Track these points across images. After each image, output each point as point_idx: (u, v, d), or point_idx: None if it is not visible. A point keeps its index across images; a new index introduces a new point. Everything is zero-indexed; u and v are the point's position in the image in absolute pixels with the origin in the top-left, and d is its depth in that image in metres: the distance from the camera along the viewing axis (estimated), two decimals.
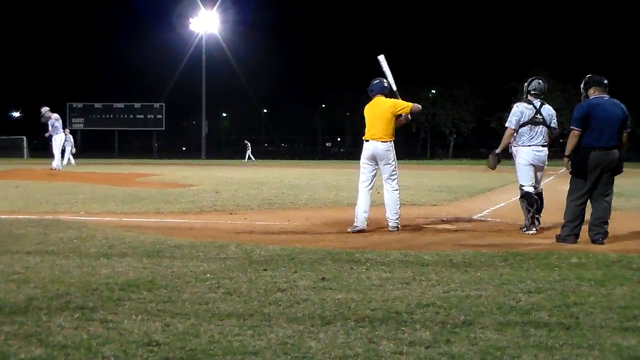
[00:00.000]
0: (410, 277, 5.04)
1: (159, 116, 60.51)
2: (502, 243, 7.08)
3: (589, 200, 7.14)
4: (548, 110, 8.00)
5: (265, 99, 77.81)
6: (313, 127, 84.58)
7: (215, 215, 9.57)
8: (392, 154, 8.18)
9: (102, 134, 66.03)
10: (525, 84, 8.18)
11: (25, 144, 49.95)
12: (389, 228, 8.05)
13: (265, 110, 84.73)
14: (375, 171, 8.20)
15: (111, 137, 63.61)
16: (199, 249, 6.24)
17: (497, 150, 8.28)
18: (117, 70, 77.92)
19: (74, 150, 29.59)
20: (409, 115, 8.12)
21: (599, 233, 7.03)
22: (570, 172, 7.24)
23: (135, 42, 73.67)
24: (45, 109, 21.00)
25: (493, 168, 8.47)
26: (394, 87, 8.37)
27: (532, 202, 7.85)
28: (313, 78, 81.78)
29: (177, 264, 5.48)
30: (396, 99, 8.22)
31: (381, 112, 8.10)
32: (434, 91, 71.10)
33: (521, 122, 7.90)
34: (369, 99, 8.28)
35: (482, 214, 10.13)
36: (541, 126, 7.90)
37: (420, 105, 8.15)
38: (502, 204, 11.89)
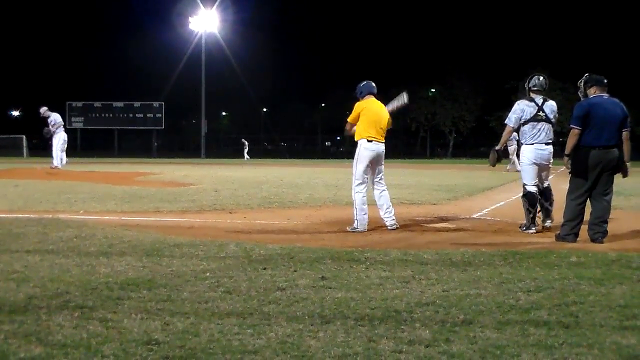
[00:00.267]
0: (410, 276, 5.05)
1: (158, 115, 60.47)
2: (502, 242, 7.09)
3: (588, 199, 7.15)
4: (551, 107, 7.87)
5: (264, 98, 77.86)
6: (313, 126, 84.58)
7: (214, 214, 9.57)
8: None
9: (101, 133, 66.02)
10: (526, 82, 8.10)
11: (24, 143, 49.87)
12: (390, 227, 8.02)
13: (264, 109, 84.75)
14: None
15: (111, 136, 63.58)
16: (198, 247, 6.25)
17: (497, 147, 8.28)
18: (117, 69, 77.92)
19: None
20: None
21: (599, 232, 7.04)
22: (570, 171, 7.24)
23: (135, 41, 73.50)
24: (44, 109, 21.00)
25: (493, 165, 8.50)
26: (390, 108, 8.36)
27: (534, 202, 7.83)
28: (313, 77, 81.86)
29: (176, 263, 5.48)
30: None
31: (384, 113, 8.08)
32: (433, 90, 71.07)
33: (523, 120, 7.81)
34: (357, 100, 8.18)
35: (481, 213, 10.14)
36: (544, 124, 7.79)
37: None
38: (501, 203, 11.89)
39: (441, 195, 13.27)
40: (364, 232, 7.79)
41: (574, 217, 7.09)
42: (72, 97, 60.11)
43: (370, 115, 8.00)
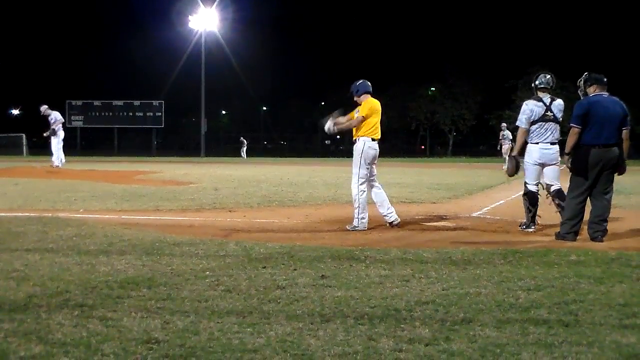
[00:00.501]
0: (410, 275, 5.05)
1: (158, 114, 60.42)
2: (501, 240, 7.09)
3: (588, 198, 7.15)
4: (559, 106, 7.75)
5: (264, 96, 77.87)
6: (312, 124, 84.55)
7: (214, 212, 9.57)
8: None
9: (101, 132, 66.02)
10: (533, 80, 7.95)
11: (24, 141, 49.87)
12: (395, 223, 8.05)
13: (264, 108, 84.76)
14: None
15: (110, 135, 63.55)
16: (198, 246, 6.25)
17: (514, 153, 8.01)
18: (117, 68, 77.86)
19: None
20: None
21: (599, 231, 7.04)
22: (570, 170, 7.24)
23: (135, 40, 73.66)
24: (44, 107, 21.00)
25: (512, 175, 8.10)
26: None
27: (535, 201, 7.81)
28: (312, 76, 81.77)
29: (176, 262, 5.48)
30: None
31: (380, 112, 8.10)
32: (433, 88, 71.07)
33: (532, 120, 7.71)
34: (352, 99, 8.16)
35: (481, 212, 10.14)
36: (552, 123, 7.68)
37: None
38: (501, 202, 11.90)
39: (441, 193, 13.28)
40: (363, 230, 7.80)
41: (574, 216, 7.09)
42: (71, 96, 60.08)
43: (376, 115, 8.03)
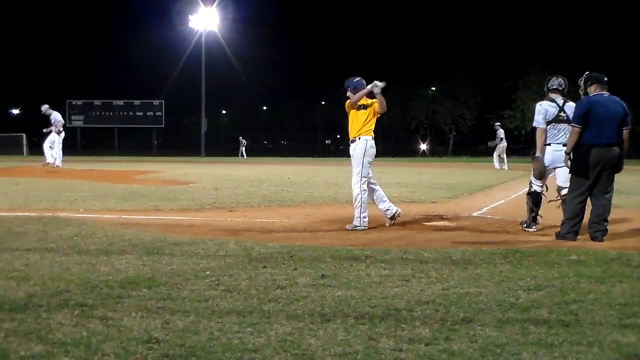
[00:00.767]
0: (410, 275, 5.05)
1: (158, 113, 60.42)
2: (502, 240, 7.09)
3: (589, 198, 7.14)
4: (571, 107, 7.65)
5: (265, 96, 77.86)
6: (313, 124, 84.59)
7: (214, 212, 9.57)
8: None
9: (101, 131, 66.05)
10: (545, 83, 7.95)
11: (24, 141, 49.85)
12: (396, 214, 8.11)
13: (264, 108, 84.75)
14: None
15: (111, 135, 63.58)
16: (198, 246, 6.25)
17: (537, 153, 7.79)
18: (117, 68, 77.86)
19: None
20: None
21: (599, 230, 7.04)
22: (571, 170, 7.24)
23: (135, 40, 73.56)
24: (45, 107, 20.99)
25: (539, 177, 7.83)
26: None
27: (538, 201, 7.78)
28: (313, 75, 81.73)
29: (176, 261, 5.49)
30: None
31: None
32: (433, 88, 71.07)
33: (546, 121, 7.66)
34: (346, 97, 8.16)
35: (481, 211, 10.14)
36: (565, 124, 7.60)
37: None
38: (501, 201, 11.91)
39: (441, 193, 13.27)
40: (364, 230, 7.80)
41: (574, 216, 7.09)
42: (72, 96, 60.11)
43: (375, 114, 8.04)
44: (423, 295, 4.41)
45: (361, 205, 7.85)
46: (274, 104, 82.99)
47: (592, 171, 6.99)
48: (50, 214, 8.46)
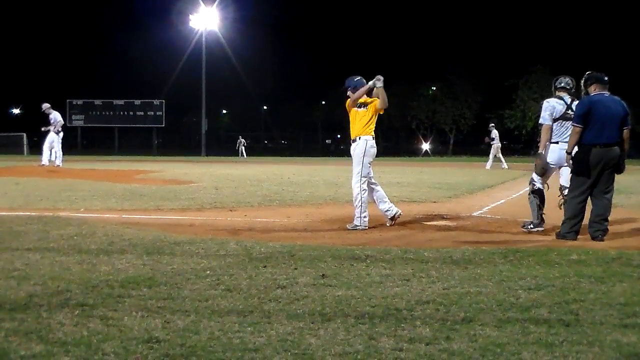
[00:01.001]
0: (410, 274, 5.05)
1: (158, 113, 60.39)
2: (502, 240, 7.09)
3: (589, 197, 7.14)
4: None
5: (265, 96, 77.86)
6: (313, 124, 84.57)
7: (215, 212, 9.57)
8: None
9: (102, 131, 66.00)
10: (553, 83, 7.92)
11: (25, 140, 49.86)
12: (397, 215, 8.10)
13: (265, 107, 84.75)
14: None
15: (111, 134, 63.56)
16: (199, 245, 6.25)
17: (540, 150, 7.78)
18: (117, 67, 77.93)
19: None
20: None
21: (599, 230, 7.04)
22: (571, 169, 7.23)
23: (136, 39, 73.68)
24: (46, 106, 21.00)
25: (541, 174, 7.83)
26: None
27: (543, 198, 7.75)
28: (313, 75, 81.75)
29: (177, 261, 5.49)
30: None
31: None
32: (434, 88, 71.03)
33: (553, 118, 7.63)
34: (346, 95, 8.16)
35: (481, 211, 10.14)
36: (571, 122, 7.51)
37: None
38: (502, 201, 11.91)
39: (441, 193, 13.27)
40: (364, 229, 7.80)
41: (574, 215, 7.09)
42: (72, 95, 60.09)
43: (376, 112, 8.03)
44: (423, 295, 4.41)
45: (361, 205, 7.85)
46: (274, 103, 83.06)
47: (593, 171, 6.98)
48: (51, 214, 8.47)
